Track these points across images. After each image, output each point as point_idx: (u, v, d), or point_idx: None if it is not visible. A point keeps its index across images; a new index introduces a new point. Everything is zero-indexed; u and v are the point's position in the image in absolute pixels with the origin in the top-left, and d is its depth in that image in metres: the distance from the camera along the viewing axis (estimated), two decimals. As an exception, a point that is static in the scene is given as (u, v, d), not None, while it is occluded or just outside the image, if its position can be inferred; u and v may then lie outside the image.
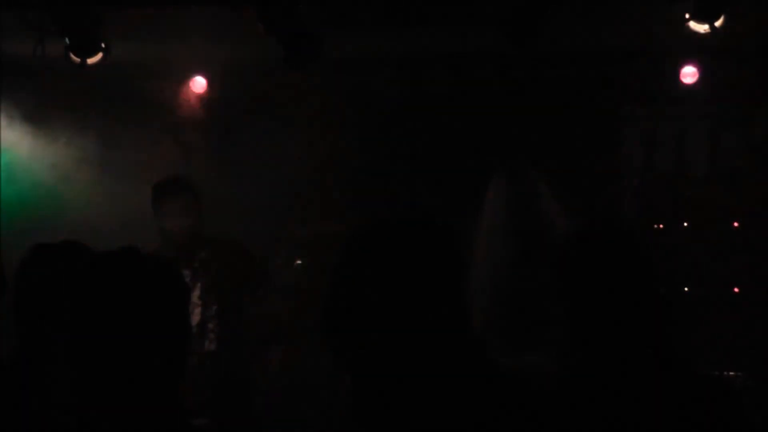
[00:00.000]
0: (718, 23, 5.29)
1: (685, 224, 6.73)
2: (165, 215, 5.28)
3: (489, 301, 5.24)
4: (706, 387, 2.60)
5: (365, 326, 2.23)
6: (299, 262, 5.58)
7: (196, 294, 5.19)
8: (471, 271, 5.30)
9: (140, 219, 5.55)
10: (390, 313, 2.19)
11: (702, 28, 5.35)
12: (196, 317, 5.15)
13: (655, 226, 6.83)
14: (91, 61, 5.76)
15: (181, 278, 2.27)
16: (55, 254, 3.14)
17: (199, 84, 7.07)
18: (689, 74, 6.71)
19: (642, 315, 2.64)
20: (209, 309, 5.30)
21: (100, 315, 2.14)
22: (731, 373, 5.54)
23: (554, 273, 2.73)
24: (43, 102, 6.79)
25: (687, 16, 5.34)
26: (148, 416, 2.13)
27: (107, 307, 2.14)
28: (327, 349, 2.27)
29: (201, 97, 7.10)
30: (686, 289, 6.54)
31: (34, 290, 3.09)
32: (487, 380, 2.29)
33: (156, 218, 5.33)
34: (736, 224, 6.80)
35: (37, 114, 6.85)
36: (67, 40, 5.67)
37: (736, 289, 6.67)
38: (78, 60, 5.75)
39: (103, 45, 5.75)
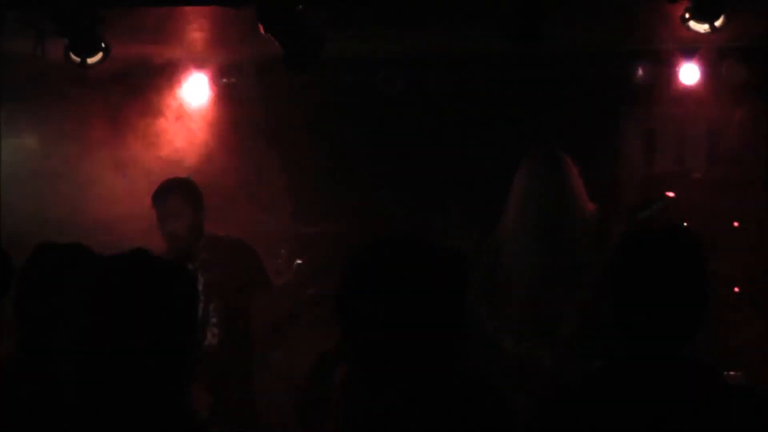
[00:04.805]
0: (718, 23, 5.29)
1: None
2: (163, 218, 5.42)
3: (514, 295, 5.18)
4: (737, 396, 2.60)
5: (370, 326, 2.30)
6: (299, 261, 5.58)
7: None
8: (498, 261, 5.24)
9: (141, 220, 5.58)
10: (393, 322, 2.28)
11: (702, 28, 5.35)
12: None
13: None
14: (91, 61, 5.77)
15: (192, 280, 2.30)
16: (59, 255, 3.14)
17: (198, 84, 7.08)
18: (689, 74, 6.71)
19: (688, 319, 2.65)
20: (210, 305, 5.35)
21: (114, 316, 2.15)
22: (731, 373, 5.53)
23: (606, 274, 2.73)
24: (43, 102, 6.78)
25: (687, 16, 5.34)
26: (158, 415, 2.14)
27: (119, 308, 2.15)
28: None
29: (200, 97, 7.10)
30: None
31: (38, 290, 3.09)
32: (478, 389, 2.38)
33: (158, 223, 5.44)
34: (736, 224, 6.79)
35: (38, 114, 6.86)
36: (67, 40, 5.67)
37: (736, 289, 6.67)
38: (78, 60, 5.76)
39: (103, 45, 5.75)
